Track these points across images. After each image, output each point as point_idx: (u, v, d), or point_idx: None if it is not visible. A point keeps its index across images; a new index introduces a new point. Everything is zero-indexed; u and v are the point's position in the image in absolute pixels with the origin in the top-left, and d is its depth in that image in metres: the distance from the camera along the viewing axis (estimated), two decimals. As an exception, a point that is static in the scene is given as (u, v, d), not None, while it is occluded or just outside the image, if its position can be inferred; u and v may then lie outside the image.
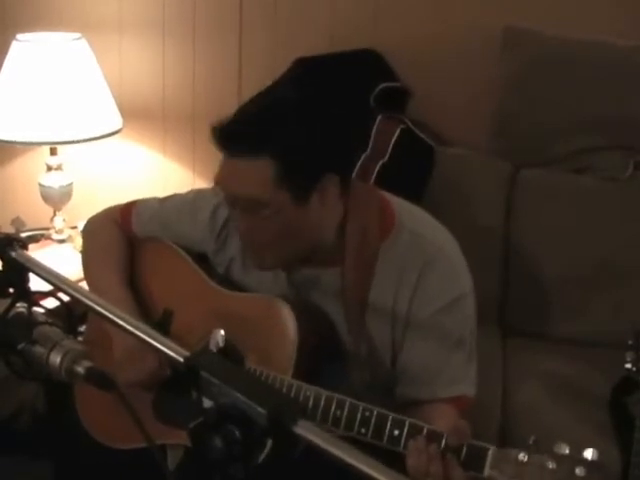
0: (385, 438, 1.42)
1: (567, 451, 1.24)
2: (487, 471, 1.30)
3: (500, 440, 2.12)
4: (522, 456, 1.26)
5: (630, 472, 1.88)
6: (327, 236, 1.64)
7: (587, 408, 2.14)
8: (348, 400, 1.47)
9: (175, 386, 1.62)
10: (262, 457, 0.92)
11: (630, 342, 1.94)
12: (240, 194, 1.56)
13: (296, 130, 1.54)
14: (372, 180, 2.52)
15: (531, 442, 1.27)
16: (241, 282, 1.77)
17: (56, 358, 1.11)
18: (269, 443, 0.91)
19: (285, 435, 0.88)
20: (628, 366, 1.93)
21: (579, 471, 1.21)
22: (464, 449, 1.34)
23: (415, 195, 2.43)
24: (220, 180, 1.60)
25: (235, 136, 1.55)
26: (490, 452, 1.31)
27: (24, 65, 2.65)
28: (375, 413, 1.44)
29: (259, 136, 1.52)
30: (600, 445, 1.94)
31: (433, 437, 1.36)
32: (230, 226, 1.77)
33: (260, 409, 0.90)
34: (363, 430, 1.44)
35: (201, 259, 1.82)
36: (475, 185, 2.63)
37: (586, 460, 1.21)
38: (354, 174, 2.46)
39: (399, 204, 1.71)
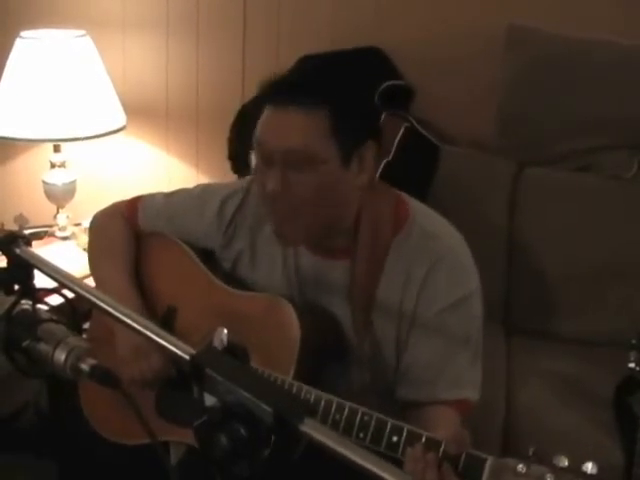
0: (383, 444, 1.41)
1: (566, 463, 1.23)
2: None
3: (504, 439, 2.12)
4: (521, 467, 1.25)
5: (633, 471, 1.88)
6: (348, 215, 1.64)
7: (591, 407, 2.14)
8: (348, 404, 1.46)
9: (180, 384, 1.63)
10: (267, 455, 0.92)
11: (634, 341, 1.94)
12: (289, 145, 1.53)
13: (351, 90, 1.63)
14: (376, 178, 2.52)
15: (530, 453, 1.25)
16: (248, 278, 1.77)
17: (61, 355, 1.10)
18: (274, 441, 0.91)
19: (291, 433, 0.88)
20: (632, 365, 1.93)
21: None
22: (462, 458, 1.33)
23: (419, 193, 2.41)
24: (266, 133, 1.57)
25: (295, 86, 1.58)
26: (488, 462, 1.29)
27: (28, 62, 2.65)
28: (374, 418, 1.43)
29: (318, 88, 1.57)
30: (603, 444, 1.97)
31: (431, 445, 1.35)
32: (238, 219, 1.77)
33: (266, 407, 0.89)
34: (361, 435, 1.43)
35: (207, 255, 1.81)
36: (479, 183, 2.63)
37: (585, 473, 1.20)
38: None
39: (414, 203, 1.72)
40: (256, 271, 1.76)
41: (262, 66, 2.91)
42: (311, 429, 0.88)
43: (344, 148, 1.54)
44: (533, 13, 2.69)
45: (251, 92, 2.79)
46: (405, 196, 1.73)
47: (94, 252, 1.93)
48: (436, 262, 1.62)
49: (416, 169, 2.60)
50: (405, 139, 2.61)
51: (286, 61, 2.77)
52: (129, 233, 1.88)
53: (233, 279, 1.77)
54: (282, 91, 1.56)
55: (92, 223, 1.96)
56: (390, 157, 2.57)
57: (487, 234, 2.54)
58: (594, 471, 1.20)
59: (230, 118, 2.75)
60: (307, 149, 1.52)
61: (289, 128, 1.53)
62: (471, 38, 2.75)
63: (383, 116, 2.65)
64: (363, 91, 1.67)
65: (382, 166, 2.55)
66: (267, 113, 1.57)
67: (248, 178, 1.83)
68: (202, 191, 1.85)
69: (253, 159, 1.63)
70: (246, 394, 0.91)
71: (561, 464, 1.22)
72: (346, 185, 1.58)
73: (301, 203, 1.55)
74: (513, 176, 2.62)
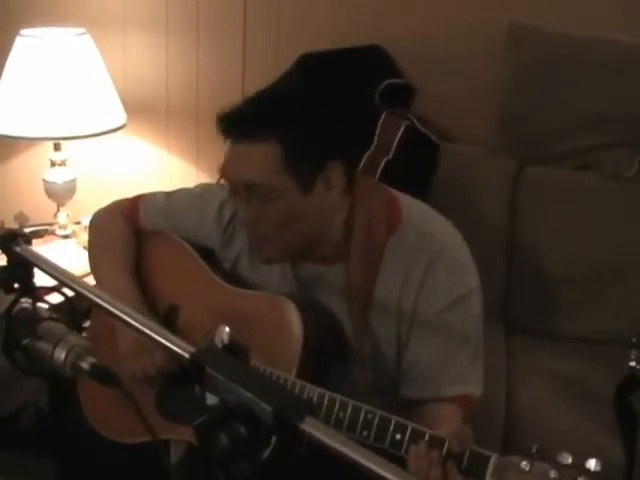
0: (387, 442, 1.41)
1: (570, 461, 1.23)
2: (489, 478, 1.29)
3: (504, 438, 2.12)
4: (524, 464, 1.25)
5: (634, 470, 1.87)
6: (333, 229, 1.64)
7: (591, 406, 2.14)
8: (351, 402, 1.46)
9: (180, 382, 1.63)
10: (268, 454, 0.91)
11: (634, 340, 1.94)
12: (246, 179, 1.56)
13: (301, 115, 1.58)
14: (377, 177, 2.51)
15: (534, 450, 1.26)
16: (248, 278, 1.77)
17: (61, 354, 1.11)
18: (275, 440, 0.91)
19: (291, 432, 0.88)
20: (632, 364, 1.93)
21: None
22: (466, 456, 1.33)
23: (419, 192, 2.42)
24: (225, 168, 1.60)
25: (240, 120, 1.56)
26: (492, 459, 1.30)
27: (28, 60, 2.64)
28: (378, 416, 1.43)
29: (265, 119, 1.54)
30: (604, 443, 1.97)
31: (435, 442, 1.35)
32: (237, 220, 1.77)
33: (266, 406, 0.89)
34: (365, 433, 1.43)
35: (207, 254, 1.81)
36: (479, 182, 2.63)
37: (589, 470, 1.21)
38: (359, 170, 2.48)
39: (406, 201, 1.71)
40: (255, 272, 1.76)
41: (262, 64, 2.92)
42: (312, 428, 0.88)
43: (301, 177, 1.54)
44: (534, 12, 2.69)
45: (251, 90, 2.79)
46: (399, 195, 1.72)
47: (94, 250, 1.93)
48: (434, 261, 1.61)
49: (416, 167, 2.59)
50: (405, 137, 2.61)
51: (286, 60, 2.78)
52: (130, 231, 1.88)
53: (234, 278, 1.77)
54: (228, 127, 1.57)
55: (92, 221, 1.96)
56: (390, 155, 2.57)
57: (487, 233, 2.53)
58: (598, 468, 1.20)
59: (230, 116, 2.75)
60: (262, 183, 1.54)
61: (240, 163, 1.57)
62: (471, 37, 2.75)
63: (383, 114, 2.65)
64: (321, 113, 1.61)
65: (382, 164, 2.55)
66: (228, 147, 1.59)
67: None
68: (202, 191, 1.86)
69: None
70: (246, 393, 0.91)
71: (565, 461, 1.23)
72: (314, 207, 1.58)
73: (271, 229, 1.59)
74: (513, 175, 2.62)
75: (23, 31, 2.68)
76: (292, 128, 1.54)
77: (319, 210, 1.59)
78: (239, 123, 1.56)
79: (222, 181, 1.64)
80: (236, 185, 1.59)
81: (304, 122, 1.57)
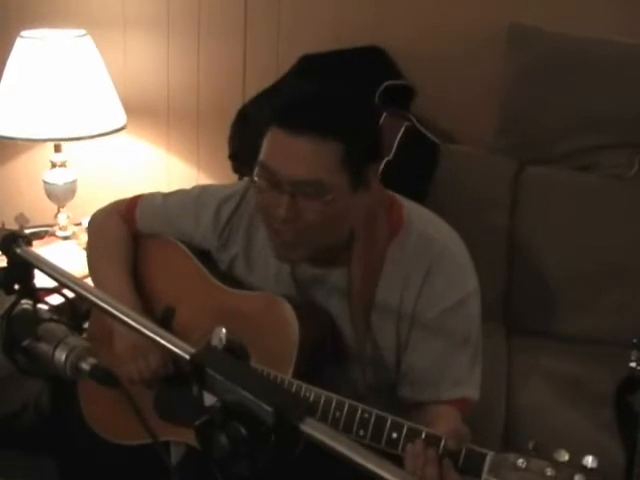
0: (383, 440, 1.41)
1: (567, 458, 1.23)
2: (485, 476, 1.30)
3: (504, 438, 2.12)
4: (521, 462, 1.25)
5: (634, 470, 1.88)
6: (347, 231, 1.62)
7: (591, 406, 2.14)
8: (347, 401, 1.46)
9: (179, 383, 1.63)
10: (268, 454, 0.92)
11: (635, 340, 1.94)
12: (300, 176, 1.47)
13: (360, 115, 1.56)
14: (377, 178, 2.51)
15: (530, 447, 1.26)
16: (244, 280, 1.76)
17: (61, 355, 1.11)
18: (274, 440, 0.91)
19: (291, 432, 0.88)
20: (632, 364, 1.93)
21: (578, 478, 1.20)
22: (462, 453, 1.33)
23: (420, 192, 2.43)
24: (275, 161, 1.51)
25: (307, 114, 1.49)
26: (488, 457, 1.30)
27: (28, 62, 2.65)
28: (374, 415, 1.43)
29: (332, 119, 1.48)
30: (604, 443, 1.97)
31: (431, 441, 1.36)
32: (233, 223, 1.76)
33: (266, 406, 0.89)
34: (362, 432, 1.43)
35: (204, 256, 1.81)
36: (480, 182, 2.63)
37: (585, 467, 1.21)
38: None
39: (407, 204, 1.71)
40: (252, 274, 1.75)
41: (263, 65, 2.92)
42: (311, 428, 0.89)
43: (355, 175, 1.51)
44: (534, 12, 2.69)
45: (252, 91, 2.80)
46: (399, 199, 1.71)
47: (92, 251, 1.93)
48: (434, 265, 1.61)
49: (417, 168, 2.59)
50: (406, 138, 2.61)
51: (287, 61, 2.78)
52: (127, 233, 1.88)
53: (230, 279, 1.77)
54: (295, 116, 1.48)
55: (91, 222, 1.96)
56: (391, 156, 2.57)
57: (488, 233, 2.54)
58: (594, 465, 1.21)
59: (231, 117, 2.75)
60: (317, 180, 1.48)
61: (299, 158, 1.48)
62: (472, 37, 2.75)
63: (384, 115, 2.65)
64: (372, 114, 1.64)
65: (383, 165, 2.54)
66: (276, 136, 1.50)
67: (245, 181, 1.82)
68: (199, 193, 1.84)
69: (255, 177, 1.56)
70: (246, 393, 0.91)
71: (561, 458, 1.23)
72: (353, 207, 1.55)
73: (308, 229, 1.53)
74: (514, 175, 2.62)
75: (24, 32, 2.68)
76: (354, 129, 1.50)
77: (353, 211, 1.57)
78: (307, 116, 1.48)
79: (258, 174, 1.54)
80: (285, 180, 1.49)
81: (363, 122, 1.56)
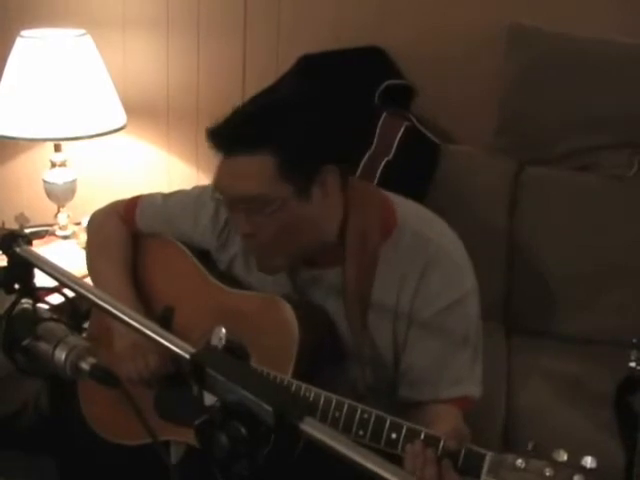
0: (383, 441, 1.41)
1: (565, 458, 1.23)
2: (484, 477, 1.30)
3: (504, 438, 2.12)
4: (520, 462, 1.25)
5: (634, 471, 1.87)
6: (329, 234, 1.63)
7: (591, 406, 2.14)
8: (347, 401, 1.46)
9: (179, 383, 1.63)
10: (267, 454, 0.92)
11: (634, 340, 1.94)
12: (242, 193, 1.53)
13: (294, 122, 1.54)
14: (377, 177, 2.52)
15: (530, 448, 1.26)
16: (243, 280, 1.77)
17: (61, 354, 1.11)
18: (274, 440, 0.91)
19: (291, 432, 0.88)
20: (632, 364, 1.93)
21: (577, 478, 1.20)
22: (462, 454, 1.33)
23: (419, 192, 2.43)
24: (219, 182, 1.57)
25: (233, 134, 1.53)
26: (488, 457, 1.30)
27: (28, 61, 2.65)
28: (373, 415, 1.43)
29: (257, 131, 1.51)
30: (604, 444, 1.97)
31: (431, 441, 1.36)
32: (232, 225, 1.77)
33: (266, 406, 0.89)
34: (361, 432, 1.43)
35: (203, 256, 1.81)
36: (480, 182, 2.63)
37: (584, 467, 1.21)
38: (359, 172, 2.48)
39: (402, 204, 1.70)
40: (251, 274, 1.75)
41: (262, 65, 2.92)
42: (311, 428, 0.89)
43: (298, 184, 1.52)
44: (534, 12, 2.69)
45: (251, 91, 2.80)
46: (393, 198, 1.71)
47: (92, 251, 1.93)
48: (430, 263, 1.61)
49: (417, 168, 2.59)
50: (406, 138, 2.61)
51: (286, 61, 2.78)
52: (127, 233, 1.88)
53: (230, 279, 1.77)
54: (220, 141, 1.54)
55: (90, 222, 1.97)
56: (391, 156, 2.57)
57: (487, 233, 2.53)
58: (593, 465, 1.21)
59: (230, 117, 2.75)
60: (259, 195, 1.51)
61: (236, 176, 1.53)
62: (472, 37, 2.75)
63: (384, 115, 2.65)
64: (313, 117, 1.58)
65: (383, 165, 2.55)
66: (219, 161, 1.56)
67: None
68: (199, 194, 1.85)
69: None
70: (246, 393, 0.91)
71: (560, 458, 1.23)
72: (312, 213, 1.57)
73: (271, 240, 1.57)
74: (514, 175, 2.62)
75: (24, 32, 2.68)
76: (285, 138, 1.51)
77: (318, 216, 1.58)
78: (231, 137, 1.53)
79: (217, 195, 1.61)
80: (233, 199, 1.56)
81: (297, 129, 1.54)
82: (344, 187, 1.61)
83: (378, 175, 2.52)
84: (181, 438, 1.66)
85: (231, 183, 1.54)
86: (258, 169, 1.50)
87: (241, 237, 1.64)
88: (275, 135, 1.51)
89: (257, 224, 1.55)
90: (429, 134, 2.71)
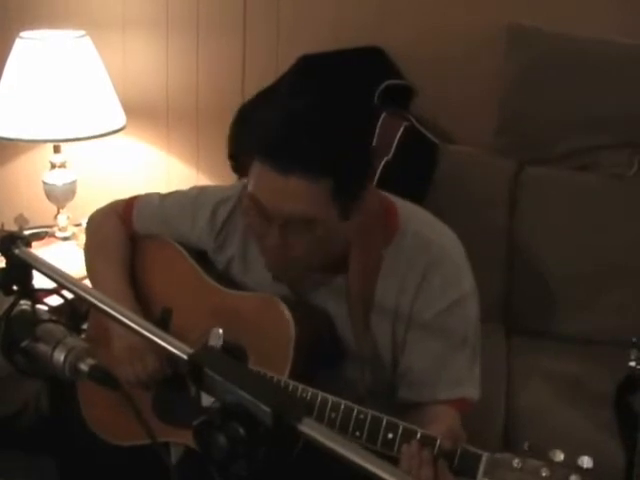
0: (379, 441, 1.41)
1: (562, 458, 1.23)
2: (480, 477, 1.29)
3: (504, 439, 2.12)
4: (516, 463, 1.25)
5: (634, 471, 1.87)
6: (340, 243, 1.62)
7: (591, 406, 2.14)
8: (343, 402, 1.46)
9: (177, 385, 1.63)
10: (266, 454, 0.92)
11: (634, 339, 1.94)
12: (292, 212, 1.47)
13: (351, 146, 1.50)
14: (376, 178, 2.51)
15: (526, 447, 1.26)
16: (240, 282, 1.76)
17: (60, 355, 1.11)
18: (273, 441, 0.91)
19: (289, 433, 0.88)
20: (632, 364, 1.93)
21: (574, 478, 1.20)
22: (457, 454, 1.33)
23: (419, 192, 2.43)
24: (263, 195, 1.49)
25: (297, 155, 1.45)
26: (484, 458, 1.30)
27: (28, 63, 2.65)
28: (369, 416, 1.43)
29: (323, 158, 1.45)
30: (604, 444, 1.97)
31: (427, 441, 1.36)
32: (230, 225, 1.76)
33: (264, 407, 0.89)
34: (357, 433, 1.43)
35: (201, 257, 1.81)
36: (479, 183, 2.63)
37: (581, 468, 1.21)
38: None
39: (403, 206, 1.70)
40: (248, 276, 1.75)
41: (262, 66, 2.92)
42: (310, 429, 0.89)
43: (344, 207, 1.50)
44: (534, 13, 2.69)
45: (251, 91, 2.80)
46: (393, 200, 1.70)
47: (90, 252, 1.93)
48: (430, 265, 1.61)
49: (416, 168, 2.59)
50: (405, 138, 2.61)
51: (286, 61, 2.78)
52: (125, 233, 1.88)
53: (227, 280, 1.77)
54: (282, 155, 1.45)
55: (88, 223, 1.96)
56: (390, 156, 2.57)
57: (487, 233, 2.54)
58: (589, 465, 1.21)
59: (230, 117, 2.75)
60: (307, 215, 1.47)
61: (289, 196, 1.46)
62: (472, 37, 2.75)
63: (383, 115, 2.65)
64: (362, 140, 1.57)
65: (382, 165, 2.55)
66: (264, 172, 1.48)
67: (242, 183, 1.82)
68: (196, 195, 1.84)
69: (244, 202, 1.57)
70: (244, 394, 0.91)
71: (557, 458, 1.23)
72: (343, 231, 1.56)
73: (301, 254, 1.54)
74: (513, 175, 2.62)
75: (23, 33, 2.68)
76: (347, 165, 1.47)
77: (346, 232, 1.57)
78: (295, 156, 1.45)
79: (248, 203, 1.54)
80: (275, 215, 1.49)
81: (352, 156, 1.50)
82: (375, 169, 1.60)
83: (377, 175, 2.52)
84: (179, 439, 1.66)
85: (280, 200, 1.47)
86: (314, 194, 1.45)
87: (263, 249, 1.59)
88: (338, 163, 1.46)
89: (289, 240, 1.51)
90: (428, 134, 2.71)
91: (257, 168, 1.49)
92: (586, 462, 1.20)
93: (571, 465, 1.21)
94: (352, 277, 1.63)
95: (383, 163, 2.54)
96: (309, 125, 1.49)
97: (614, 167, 2.60)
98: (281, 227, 1.49)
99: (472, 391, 1.62)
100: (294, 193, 1.45)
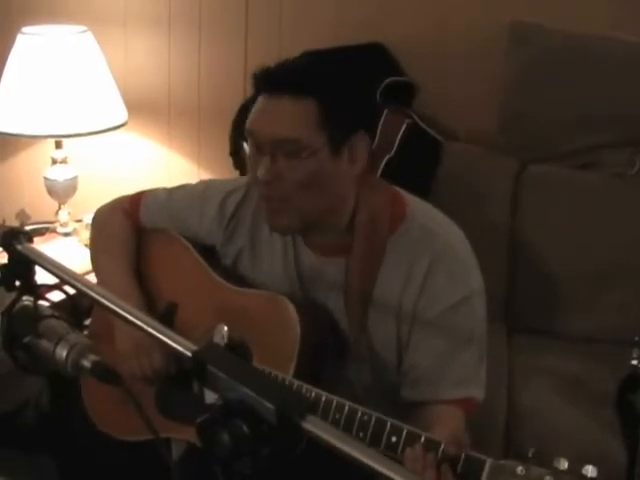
0: (383, 444, 1.40)
1: (566, 466, 1.22)
2: None
3: (505, 437, 2.11)
4: (520, 470, 1.24)
5: (636, 471, 1.87)
6: (343, 212, 1.63)
7: (593, 405, 2.14)
8: (347, 403, 1.45)
9: (181, 380, 1.62)
10: (269, 452, 0.91)
11: (636, 338, 1.93)
12: (278, 133, 1.53)
13: (340, 80, 1.62)
14: (378, 174, 2.51)
15: (530, 455, 1.25)
16: (249, 275, 1.76)
17: (62, 352, 1.10)
18: (276, 438, 0.90)
19: (293, 430, 0.88)
20: (634, 362, 1.92)
21: None
22: (461, 459, 1.32)
23: (421, 190, 2.41)
24: (256, 120, 1.58)
25: (283, 75, 1.57)
26: (487, 464, 1.29)
27: (30, 58, 2.65)
28: (374, 418, 1.42)
29: (308, 77, 1.57)
30: (606, 443, 1.97)
31: (431, 445, 1.35)
32: (238, 216, 1.76)
33: (268, 404, 0.89)
34: (361, 434, 1.42)
35: (208, 252, 1.81)
36: (481, 180, 2.62)
37: (585, 476, 1.20)
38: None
39: (410, 198, 1.70)
40: (256, 268, 1.75)
41: (264, 62, 2.90)
42: (313, 426, 0.88)
43: (334, 137, 1.54)
44: (536, 10, 2.69)
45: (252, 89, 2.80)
46: (402, 193, 1.71)
47: (96, 247, 1.93)
48: (436, 260, 1.60)
49: (418, 165, 2.59)
50: (407, 135, 2.60)
51: (288, 57, 2.77)
52: (131, 229, 1.88)
53: (233, 276, 1.77)
54: (274, 79, 1.57)
55: (94, 218, 1.96)
56: (392, 153, 2.57)
57: (489, 231, 2.53)
58: (594, 474, 1.19)
59: (232, 114, 2.75)
60: (295, 138, 1.53)
61: (278, 116, 1.54)
62: (474, 34, 2.75)
63: (385, 112, 2.64)
64: (357, 83, 1.68)
65: (384, 162, 2.54)
66: (259, 101, 1.58)
67: (249, 176, 1.82)
68: (204, 188, 1.85)
69: (246, 148, 1.64)
70: (248, 391, 0.91)
71: (561, 467, 1.21)
72: (337, 174, 1.58)
73: (292, 190, 1.55)
74: (515, 173, 2.62)
75: (25, 29, 2.68)
76: (332, 90, 1.56)
77: (339, 178, 1.59)
78: (285, 77, 1.57)
79: (248, 142, 1.61)
80: (265, 140, 1.55)
81: (342, 87, 1.60)
82: (366, 167, 1.62)
83: (380, 172, 2.52)
84: (182, 436, 1.66)
85: (269, 123, 1.55)
86: (301, 113, 1.53)
87: (258, 185, 1.61)
88: (323, 85, 1.56)
89: (281, 170, 1.55)
90: (431, 131, 2.70)
91: (257, 103, 1.59)
92: (590, 471, 1.19)
93: (575, 474, 1.20)
94: (353, 263, 1.63)
95: (385, 160, 2.54)
96: (304, 57, 1.69)
97: (616, 166, 2.59)
98: (271, 156, 1.55)
99: (477, 391, 1.61)
100: (281, 114, 1.54)
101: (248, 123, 1.59)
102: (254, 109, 1.59)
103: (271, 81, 1.57)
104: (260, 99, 1.58)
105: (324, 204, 1.60)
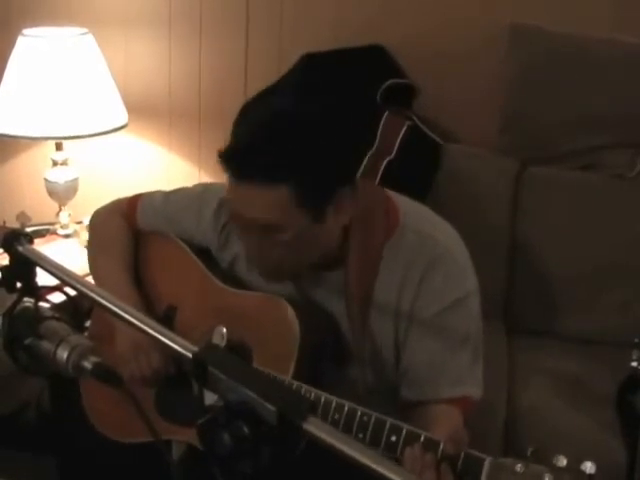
0: (382, 444, 1.41)
1: (565, 463, 1.22)
2: None
3: (505, 438, 2.12)
4: (519, 467, 1.24)
5: (636, 471, 1.87)
6: (334, 242, 1.62)
7: (593, 406, 2.14)
8: (347, 404, 1.46)
9: (180, 382, 1.62)
10: (270, 453, 0.91)
11: (636, 340, 1.93)
12: (259, 218, 1.49)
13: (310, 151, 1.47)
14: (378, 177, 2.51)
15: (529, 453, 1.25)
16: (245, 279, 1.76)
17: (63, 353, 1.10)
18: (277, 439, 0.91)
19: (294, 431, 0.88)
20: (634, 364, 1.92)
21: None
22: (461, 458, 1.33)
23: (421, 192, 2.43)
24: (232, 205, 1.54)
25: (247, 162, 1.46)
26: (487, 462, 1.29)
27: (30, 60, 2.65)
28: (373, 418, 1.42)
29: (273, 163, 1.44)
30: (606, 444, 1.97)
31: (430, 445, 1.35)
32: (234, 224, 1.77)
33: (269, 406, 0.89)
34: (361, 435, 1.43)
35: (205, 254, 1.81)
36: (482, 182, 2.63)
37: (584, 473, 1.20)
38: (360, 171, 2.48)
39: (404, 203, 1.70)
40: (253, 274, 1.74)
41: (265, 64, 2.92)
42: (314, 427, 0.88)
43: (313, 211, 1.50)
44: (536, 12, 2.69)
45: (254, 90, 2.80)
46: (393, 195, 1.70)
47: (93, 249, 1.93)
48: (431, 263, 1.60)
49: (418, 167, 2.59)
50: (407, 137, 2.61)
51: (289, 59, 2.78)
52: (128, 231, 1.88)
53: (231, 278, 1.77)
54: (236, 164, 1.48)
55: (92, 220, 1.96)
56: (392, 155, 2.57)
57: (489, 232, 2.53)
58: (592, 471, 1.20)
59: (233, 116, 2.72)
60: (272, 222, 1.49)
61: (250, 202, 1.48)
62: (474, 36, 2.75)
63: (385, 114, 2.65)
64: (331, 140, 1.51)
65: (384, 164, 2.55)
66: (230, 183, 1.51)
67: None
68: (201, 192, 1.84)
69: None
70: (249, 392, 0.91)
71: (560, 464, 1.22)
72: (325, 230, 1.55)
73: (279, 261, 1.57)
74: (516, 175, 2.62)
75: (25, 31, 2.68)
76: (303, 169, 1.46)
77: (329, 232, 1.58)
78: (248, 166, 1.46)
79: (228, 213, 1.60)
80: (247, 223, 1.53)
81: (313, 158, 1.47)
82: (356, 199, 1.56)
83: (380, 175, 2.52)
84: (182, 438, 1.66)
85: (244, 206, 1.50)
86: (274, 200, 1.46)
87: (247, 256, 1.63)
88: (292, 167, 1.45)
89: (265, 246, 1.54)
90: (431, 133, 2.70)
91: (228, 184, 1.52)
92: (589, 467, 1.20)
93: (574, 470, 1.20)
94: (351, 272, 1.63)
95: (385, 163, 2.54)
96: (272, 131, 1.48)
97: (616, 167, 2.60)
98: (256, 234, 1.53)
99: (474, 390, 1.62)
100: (254, 201, 1.48)
101: (225, 202, 1.58)
102: (228, 190, 1.52)
103: (233, 169, 1.48)
104: (230, 181, 1.50)
105: (316, 255, 1.61)
